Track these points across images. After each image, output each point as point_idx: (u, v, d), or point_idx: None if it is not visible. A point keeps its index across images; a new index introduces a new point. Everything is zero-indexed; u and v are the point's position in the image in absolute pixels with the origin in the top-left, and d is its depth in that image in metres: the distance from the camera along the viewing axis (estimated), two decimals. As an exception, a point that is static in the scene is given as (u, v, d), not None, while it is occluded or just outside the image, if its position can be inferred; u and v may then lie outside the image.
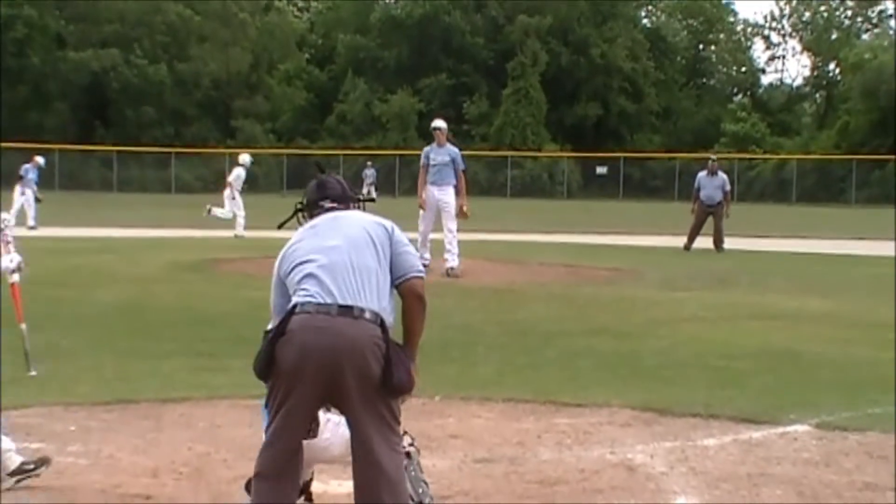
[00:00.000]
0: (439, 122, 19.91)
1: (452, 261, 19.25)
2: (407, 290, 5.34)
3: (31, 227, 32.44)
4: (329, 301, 5.15)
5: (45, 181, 35.76)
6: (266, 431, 5.33)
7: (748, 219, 41.52)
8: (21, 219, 32.93)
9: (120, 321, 13.77)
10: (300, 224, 5.64)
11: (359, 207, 5.66)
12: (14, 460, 6.84)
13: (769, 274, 21.48)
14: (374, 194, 61.01)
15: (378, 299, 5.24)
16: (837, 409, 9.06)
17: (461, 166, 19.44)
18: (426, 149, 19.55)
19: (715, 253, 26.33)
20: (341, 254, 5.24)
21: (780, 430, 8.53)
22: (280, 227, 6.05)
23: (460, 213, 19.16)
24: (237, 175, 32.15)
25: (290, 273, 5.32)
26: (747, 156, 76.55)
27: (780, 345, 12.65)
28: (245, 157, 33.46)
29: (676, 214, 28.80)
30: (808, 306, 16.24)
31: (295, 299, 5.23)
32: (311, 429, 5.39)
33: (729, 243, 27.98)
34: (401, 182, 66.05)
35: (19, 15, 72.03)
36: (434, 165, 19.24)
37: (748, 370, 11.06)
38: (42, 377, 10.23)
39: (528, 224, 37.81)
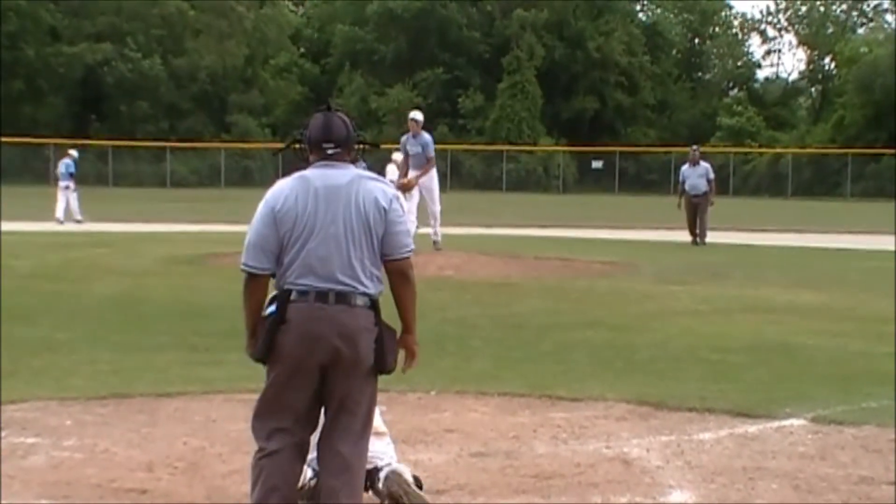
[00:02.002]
0: (417, 115, 20.62)
1: (436, 236, 20.64)
2: (394, 269, 5.40)
3: (78, 221, 32.48)
4: (327, 288, 5.24)
5: (39, 175, 35.70)
6: (258, 411, 5.43)
7: (743, 212, 41.59)
8: (69, 214, 33.03)
9: (115, 315, 13.76)
10: (297, 156, 5.56)
11: (361, 151, 5.58)
12: None
13: (764, 267, 21.50)
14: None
15: (372, 280, 5.34)
16: (833, 403, 9.07)
17: (430, 153, 20.13)
18: (403, 138, 20.41)
19: (709, 247, 26.26)
20: (343, 242, 5.26)
21: (776, 423, 8.54)
22: (275, 154, 6.07)
23: (407, 183, 19.78)
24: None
25: (286, 234, 5.28)
26: (743, 150, 76.62)
27: (775, 338, 12.66)
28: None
29: (671, 208, 28.77)
30: (803, 300, 16.26)
31: (292, 281, 5.28)
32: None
33: (724, 237, 28.05)
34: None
35: (12, 7, 71.88)
36: (412, 155, 20.11)
37: (743, 364, 11.07)
38: (37, 371, 10.23)
39: (523, 218, 37.82)
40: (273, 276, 5.38)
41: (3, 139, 59.88)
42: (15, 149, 61.40)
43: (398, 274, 5.41)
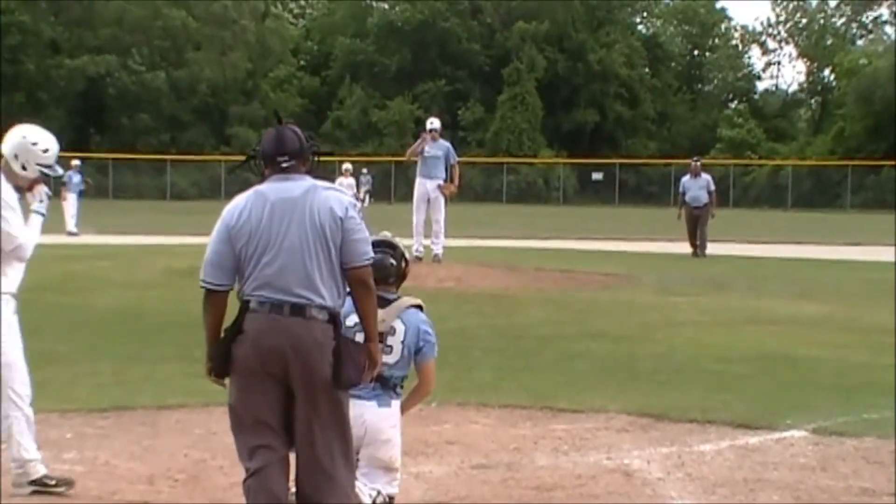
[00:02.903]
0: (436, 124, 20.51)
1: (438, 248, 20.41)
2: (353, 278, 5.34)
3: (71, 234, 32.44)
4: (282, 300, 5.23)
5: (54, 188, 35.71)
6: (233, 428, 5.43)
7: (744, 224, 41.57)
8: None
9: (116, 327, 13.76)
10: (252, 171, 5.54)
11: (314, 163, 5.55)
12: (38, 470, 6.78)
13: (765, 279, 21.48)
14: (369, 201, 61.24)
15: (331, 293, 5.29)
16: (834, 414, 9.07)
17: (453, 160, 20.23)
18: (419, 141, 20.49)
19: (710, 258, 26.25)
20: (298, 254, 5.24)
21: (777, 435, 8.54)
22: (231, 172, 6.06)
23: (448, 192, 20.18)
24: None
25: (241, 249, 5.29)
26: (743, 161, 76.60)
27: (776, 349, 12.66)
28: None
29: (672, 220, 28.77)
30: (804, 311, 16.25)
31: (249, 294, 5.29)
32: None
33: (724, 248, 28.02)
34: (397, 188, 66.05)
35: (13, 21, 71.95)
36: (427, 157, 20.03)
37: (744, 375, 11.07)
38: (38, 383, 10.21)
39: (523, 230, 37.82)
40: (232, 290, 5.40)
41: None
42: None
43: (357, 282, 5.34)
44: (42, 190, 6.77)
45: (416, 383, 6.14)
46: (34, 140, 6.47)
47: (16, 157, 6.33)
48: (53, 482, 6.76)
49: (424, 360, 6.04)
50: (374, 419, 5.82)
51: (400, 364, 5.91)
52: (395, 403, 5.94)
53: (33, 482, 6.73)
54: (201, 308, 5.50)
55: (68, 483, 6.83)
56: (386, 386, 5.85)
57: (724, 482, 7.25)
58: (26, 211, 6.74)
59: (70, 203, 33.91)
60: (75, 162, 36.16)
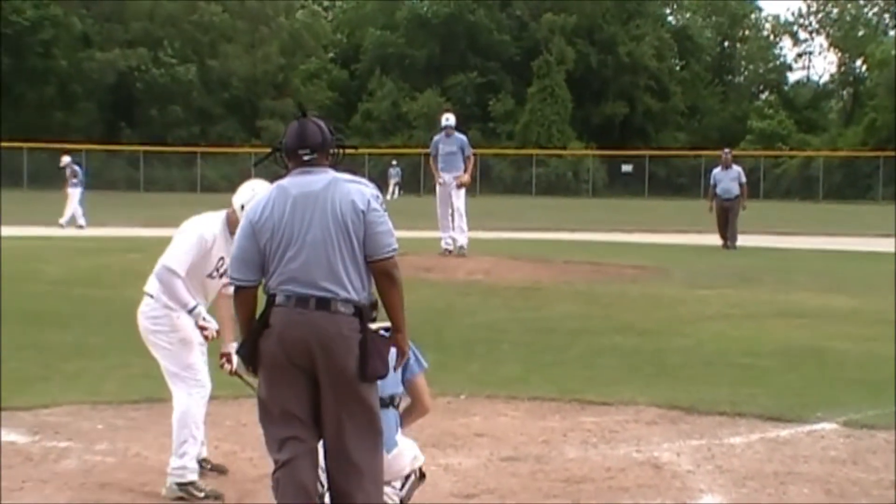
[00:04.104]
0: (451, 121, 20.95)
1: (462, 239, 20.65)
2: (378, 270, 5.34)
3: (62, 226, 32.49)
4: (308, 294, 5.24)
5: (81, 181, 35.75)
6: (261, 420, 5.47)
7: (774, 216, 41.41)
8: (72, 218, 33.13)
9: (147, 320, 13.81)
10: (277, 164, 5.57)
11: (337, 156, 5.56)
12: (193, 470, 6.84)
13: (794, 271, 21.39)
14: (398, 193, 61.28)
15: (356, 286, 5.29)
16: (864, 407, 9.02)
17: (468, 153, 20.60)
18: (435, 138, 20.91)
19: (740, 251, 26.14)
20: (322, 249, 5.25)
21: (807, 428, 8.51)
22: (256, 165, 6.16)
23: (461, 182, 20.38)
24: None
25: (266, 244, 5.32)
26: (773, 153, 76.28)
27: (805, 343, 12.60)
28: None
29: (702, 212, 28.69)
30: (834, 304, 16.17)
31: (275, 289, 5.31)
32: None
33: (755, 240, 27.89)
34: (426, 180, 66.05)
35: (46, 15, 72.32)
36: (445, 154, 20.46)
37: (774, 368, 11.04)
38: (70, 376, 10.29)
39: (552, 222, 37.77)
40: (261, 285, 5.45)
41: (35, 145, 60.30)
42: (45, 154, 61.73)
43: (382, 274, 5.34)
44: None
45: (409, 403, 6.10)
46: (252, 187, 6.82)
47: (242, 207, 6.65)
48: (202, 494, 6.77)
49: (412, 378, 6.00)
50: None
51: (389, 384, 5.77)
52: (392, 413, 5.91)
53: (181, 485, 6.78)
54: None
55: (218, 496, 6.87)
56: (381, 404, 5.77)
57: (754, 475, 7.23)
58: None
59: (74, 197, 33.86)
60: (65, 158, 36.05)
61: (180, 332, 6.87)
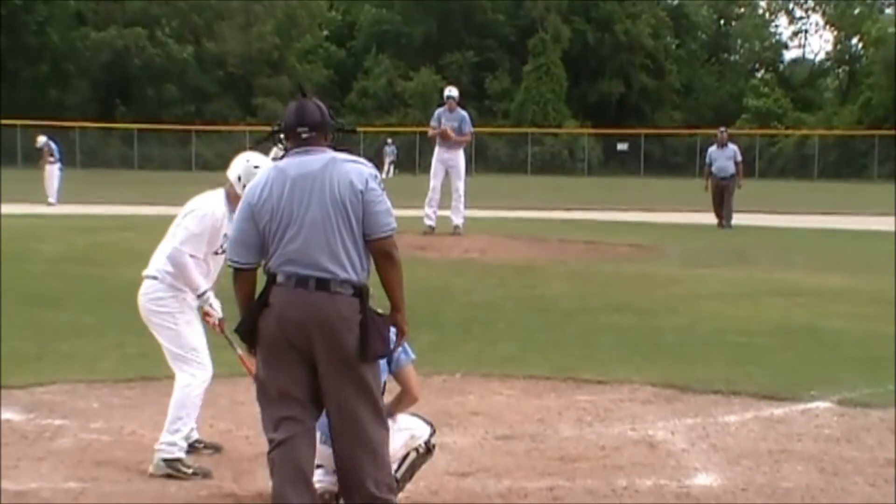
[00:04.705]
0: (453, 92, 20.76)
1: (458, 218, 20.52)
2: (376, 249, 5.36)
3: (51, 204, 32.42)
4: (307, 274, 5.26)
5: (65, 158, 35.68)
6: (258, 399, 5.50)
7: (770, 195, 41.39)
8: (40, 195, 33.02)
9: (142, 298, 13.81)
10: (276, 144, 5.63)
11: (336, 137, 5.59)
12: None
13: (790, 250, 21.41)
14: (393, 172, 61.19)
15: (356, 266, 5.31)
16: (859, 386, 9.05)
17: (467, 128, 20.44)
18: (438, 111, 20.70)
19: (736, 230, 26.15)
20: (320, 229, 5.26)
21: (802, 406, 8.53)
22: (257, 144, 6.16)
23: (450, 136, 20.13)
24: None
25: (265, 225, 5.33)
26: (769, 131, 76.23)
27: (801, 321, 12.63)
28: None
29: (697, 191, 28.70)
30: (830, 283, 16.19)
31: (275, 269, 5.33)
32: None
33: (750, 219, 27.90)
34: (421, 159, 65.92)
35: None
36: (446, 126, 20.22)
37: (769, 347, 11.05)
38: (65, 355, 10.30)
39: (548, 201, 37.74)
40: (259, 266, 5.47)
41: (30, 122, 60.08)
42: (41, 133, 61.56)
43: (381, 254, 5.36)
44: None
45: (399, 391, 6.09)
46: (256, 164, 6.83)
47: (239, 178, 6.80)
48: (190, 470, 6.78)
49: (399, 367, 5.96)
50: None
51: None
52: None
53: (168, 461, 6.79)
54: (226, 281, 5.55)
55: (206, 474, 6.87)
56: None
57: (748, 453, 7.25)
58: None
59: (54, 174, 33.76)
60: (41, 138, 35.88)
61: (186, 313, 6.90)
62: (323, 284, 5.25)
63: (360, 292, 5.31)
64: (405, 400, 6.08)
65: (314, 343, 5.25)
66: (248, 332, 5.43)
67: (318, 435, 5.76)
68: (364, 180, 5.31)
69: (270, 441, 5.41)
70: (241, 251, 5.42)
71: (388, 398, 5.85)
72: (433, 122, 20.60)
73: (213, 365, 7.05)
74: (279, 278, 5.31)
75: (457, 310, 13.04)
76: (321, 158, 5.37)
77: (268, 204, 5.33)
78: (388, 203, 5.40)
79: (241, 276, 5.46)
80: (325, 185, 5.30)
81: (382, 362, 5.64)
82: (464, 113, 20.62)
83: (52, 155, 34.13)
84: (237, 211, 5.54)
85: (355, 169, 5.36)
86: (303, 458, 5.39)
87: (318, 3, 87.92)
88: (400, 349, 5.79)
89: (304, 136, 5.41)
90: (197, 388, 6.86)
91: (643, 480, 6.68)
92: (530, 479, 6.69)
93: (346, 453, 5.38)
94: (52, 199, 32.81)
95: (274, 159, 6.29)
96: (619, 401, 8.70)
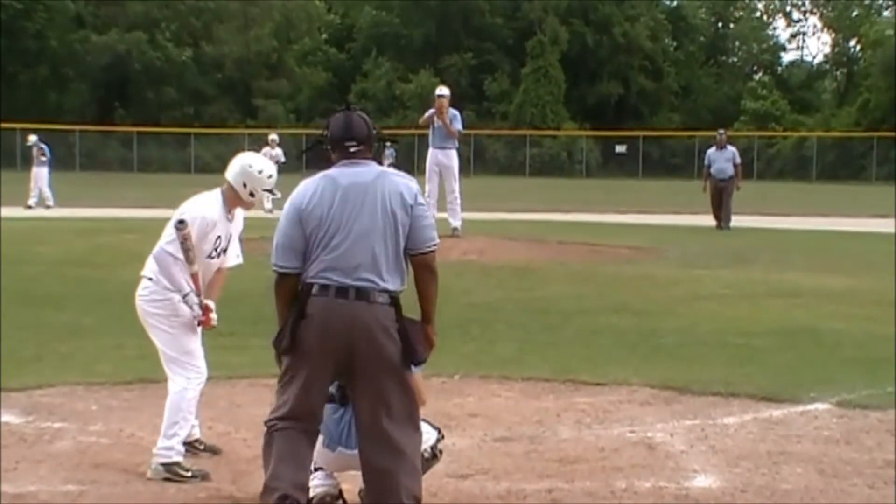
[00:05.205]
0: (444, 91, 20.51)
1: (455, 221, 20.33)
2: (418, 263, 5.48)
3: (49, 207, 32.36)
4: (347, 283, 5.32)
5: (64, 161, 35.69)
6: (278, 397, 5.55)
7: (768, 196, 41.41)
8: (42, 198, 32.98)
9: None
10: (323, 148, 5.66)
11: (382, 149, 5.69)
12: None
13: (789, 252, 21.41)
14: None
15: (394, 277, 5.40)
16: (858, 387, 9.04)
17: (458, 125, 20.11)
18: (429, 112, 20.36)
19: (734, 231, 26.15)
20: (367, 238, 5.34)
21: (801, 408, 8.53)
22: (303, 153, 6.22)
23: (441, 110, 19.78)
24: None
25: (312, 231, 5.39)
26: (767, 133, 76.24)
27: (800, 322, 12.62)
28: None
29: (695, 193, 28.72)
30: (829, 284, 16.19)
31: (313, 278, 5.37)
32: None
33: (748, 221, 27.91)
34: (420, 161, 65.69)
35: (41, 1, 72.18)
36: (438, 127, 20.04)
37: (768, 348, 11.05)
38: (64, 356, 10.29)
39: (546, 203, 37.75)
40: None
41: (29, 126, 60.02)
42: (40, 135, 61.54)
43: (423, 267, 5.48)
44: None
45: None
46: (259, 168, 6.90)
47: (244, 185, 6.84)
48: (188, 473, 6.76)
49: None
50: None
51: None
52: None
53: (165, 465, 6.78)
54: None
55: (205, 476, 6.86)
56: None
57: (747, 455, 7.25)
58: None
59: (43, 177, 33.72)
60: (32, 137, 35.82)
61: (182, 316, 6.87)
62: (363, 294, 5.33)
63: (396, 301, 5.40)
64: None
65: (355, 352, 5.33)
66: (288, 344, 5.45)
67: (319, 438, 5.78)
68: (413, 195, 5.46)
69: (274, 421, 5.50)
70: (288, 256, 5.47)
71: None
72: (426, 116, 20.43)
73: (209, 369, 7.04)
74: (315, 289, 5.36)
75: (455, 311, 13.01)
76: (372, 171, 5.49)
77: (317, 210, 5.39)
78: (433, 219, 5.57)
79: (284, 281, 5.50)
80: (377, 195, 5.40)
81: None
82: (455, 112, 20.44)
83: (43, 155, 34.12)
84: (283, 215, 5.54)
85: (404, 183, 5.50)
86: (303, 450, 5.51)
87: (316, 4, 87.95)
88: None
89: (352, 149, 5.51)
90: (191, 392, 6.84)
91: (642, 482, 6.68)
92: (529, 481, 6.68)
93: (380, 456, 5.42)
94: (31, 202, 32.78)
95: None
96: (617, 402, 8.70)
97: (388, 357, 5.35)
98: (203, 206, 6.90)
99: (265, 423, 5.61)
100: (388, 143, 64.62)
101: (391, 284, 5.38)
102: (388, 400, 5.39)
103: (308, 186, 5.50)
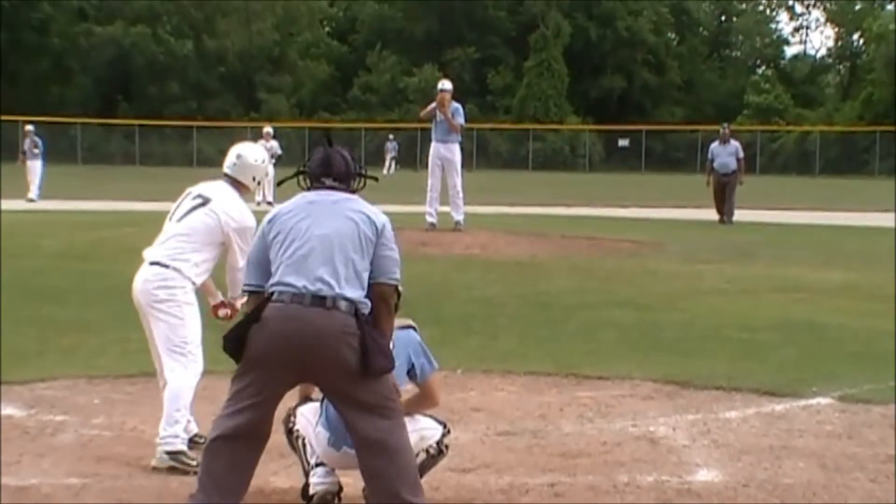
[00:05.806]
0: (446, 85, 20.59)
1: (458, 215, 20.43)
2: (376, 294, 5.39)
3: (33, 200, 32.32)
4: (304, 290, 5.23)
5: (67, 154, 35.68)
6: (228, 402, 5.46)
7: (771, 191, 41.39)
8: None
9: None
10: (299, 186, 5.69)
11: (360, 185, 5.65)
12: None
13: (791, 246, 21.40)
14: (394, 168, 61.15)
15: (353, 285, 5.30)
16: (860, 382, 9.04)
17: (460, 119, 20.23)
18: (432, 105, 20.50)
19: (737, 225, 26.15)
20: (327, 244, 5.29)
21: (803, 402, 8.52)
22: (279, 184, 6.24)
23: (442, 104, 19.94)
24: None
25: (275, 240, 5.39)
26: (770, 127, 76.18)
27: (802, 317, 12.62)
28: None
29: (698, 187, 28.72)
30: (831, 279, 16.18)
31: (273, 285, 5.32)
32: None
33: (751, 215, 27.89)
34: (422, 155, 65.66)
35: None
36: (440, 121, 20.13)
37: (770, 343, 11.05)
38: (67, 350, 10.29)
39: (549, 197, 37.74)
40: None
41: (31, 119, 60.02)
42: (41, 129, 61.50)
43: (380, 300, 5.39)
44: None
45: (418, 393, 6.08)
46: (262, 159, 7.33)
47: (254, 178, 7.20)
48: (193, 462, 6.76)
49: (424, 379, 5.96)
50: None
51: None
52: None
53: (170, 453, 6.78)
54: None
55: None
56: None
57: (749, 449, 7.25)
58: None
59: (36, 169, 33.72)
60: (29, 127, 35.79)
61: (193, 304, 6.90)
62: (319, 300, 5.23)
63: (357, 311, 5.27)
64: (425, 404, 6.08)
65: (310, 359, 5.22)
66: (235, 347, 5.37)
67: (325, 436, 5.77)
68: (382, 222, 5.44)
69: (218, 432, 5.41)
70: (257, 274, 5.48)
71: (404, 397, 5.84)
72: (426, 109, 20.59)
73: (210, 363, 7.04)
74: (273, 294, 5.29)
75: (458, 306, 13.03)
76: (345, 195, 5.53)
77: (282, 218, 5.43)
78: (398, 255, 5.47)
79: (254, 300, 5.48)
80: (344, 209, 5.42)
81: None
82: (457, 105, 20.49)
83: (36, 147, 34.10)
84: (257, 237, 5.60)
85: (376, 211, 5.49)
86: (240, 473, 5.42)
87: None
88: (424, 360, 5.85)
89: (328, 185, 5.56)
90: (191, 380, 6.85)
91: (644, 476, 6.68)
92: (531, 475, 6.68)
93: (373, 469, 5.36)
94: (32, 196, 32.75)
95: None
96: (620, 397, 8.70)
97: (344, 361, 5.19)
98: (242, 205, 7.12)
99: (213, 423, 5.52)
100: (390, 137, 64.18)
101: (350, 292, 5.25)
102: (359, 402, 5.27)
103: (286, 205, 5.55)
